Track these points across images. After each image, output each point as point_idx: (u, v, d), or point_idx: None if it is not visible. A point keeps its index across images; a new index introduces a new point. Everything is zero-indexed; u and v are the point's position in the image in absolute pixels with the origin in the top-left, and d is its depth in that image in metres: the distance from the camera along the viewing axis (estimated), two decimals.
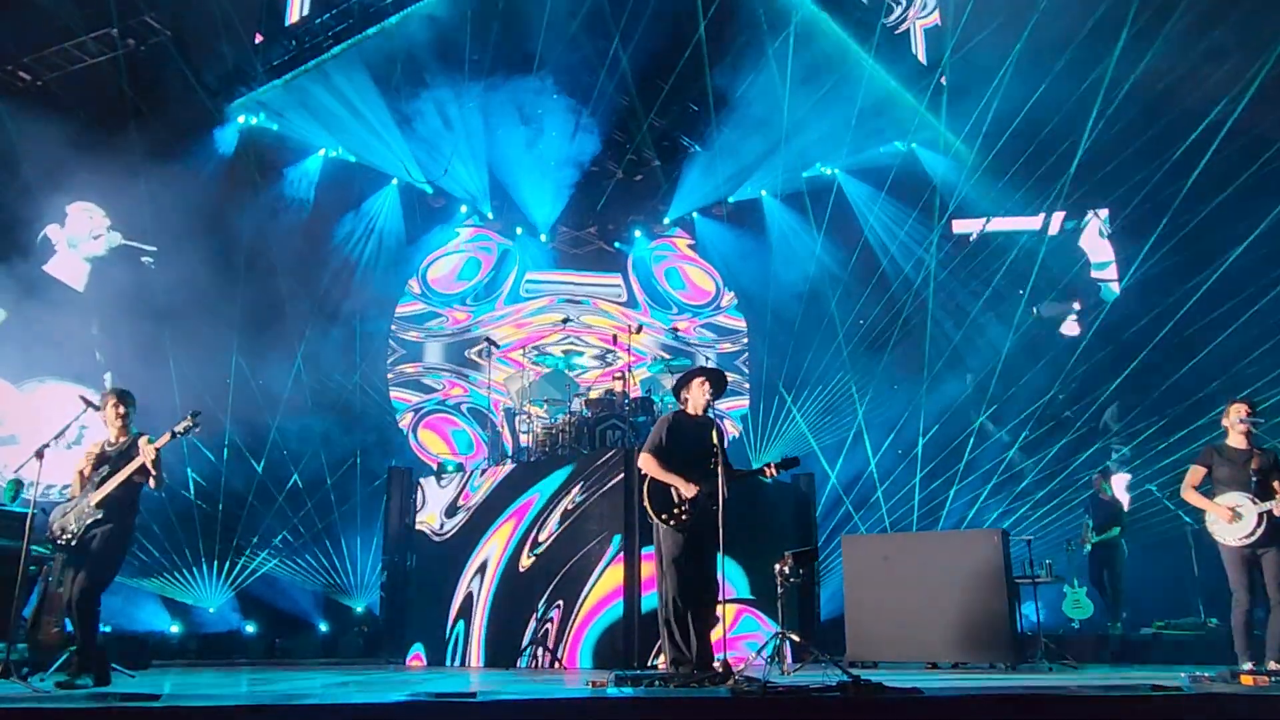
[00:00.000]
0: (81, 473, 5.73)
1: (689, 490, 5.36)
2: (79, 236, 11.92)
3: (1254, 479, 5.88)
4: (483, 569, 8.89)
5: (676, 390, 5.85)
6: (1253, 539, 5.80)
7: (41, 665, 6.64)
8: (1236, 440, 6.10)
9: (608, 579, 7.97)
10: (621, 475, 8.09)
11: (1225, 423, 6.19)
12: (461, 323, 15.46)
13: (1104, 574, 10.27)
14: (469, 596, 8.90)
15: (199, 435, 5.68)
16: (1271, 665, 5.72)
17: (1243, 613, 5.90)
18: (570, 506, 8.44)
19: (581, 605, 8.04)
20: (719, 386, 5.75)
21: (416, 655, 9.36)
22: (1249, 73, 11.04)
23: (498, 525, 8.94)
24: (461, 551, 9.13)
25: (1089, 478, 11.31)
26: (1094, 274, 14.39)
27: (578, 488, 8.44)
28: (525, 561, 8.57)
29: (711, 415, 5.66)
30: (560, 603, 8.19)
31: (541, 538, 8.55)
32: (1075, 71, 12.00)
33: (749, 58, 12.90)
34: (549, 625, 8.20)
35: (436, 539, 9.48)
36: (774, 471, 5.50)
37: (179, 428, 5.59)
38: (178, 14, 11.48)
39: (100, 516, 5.51)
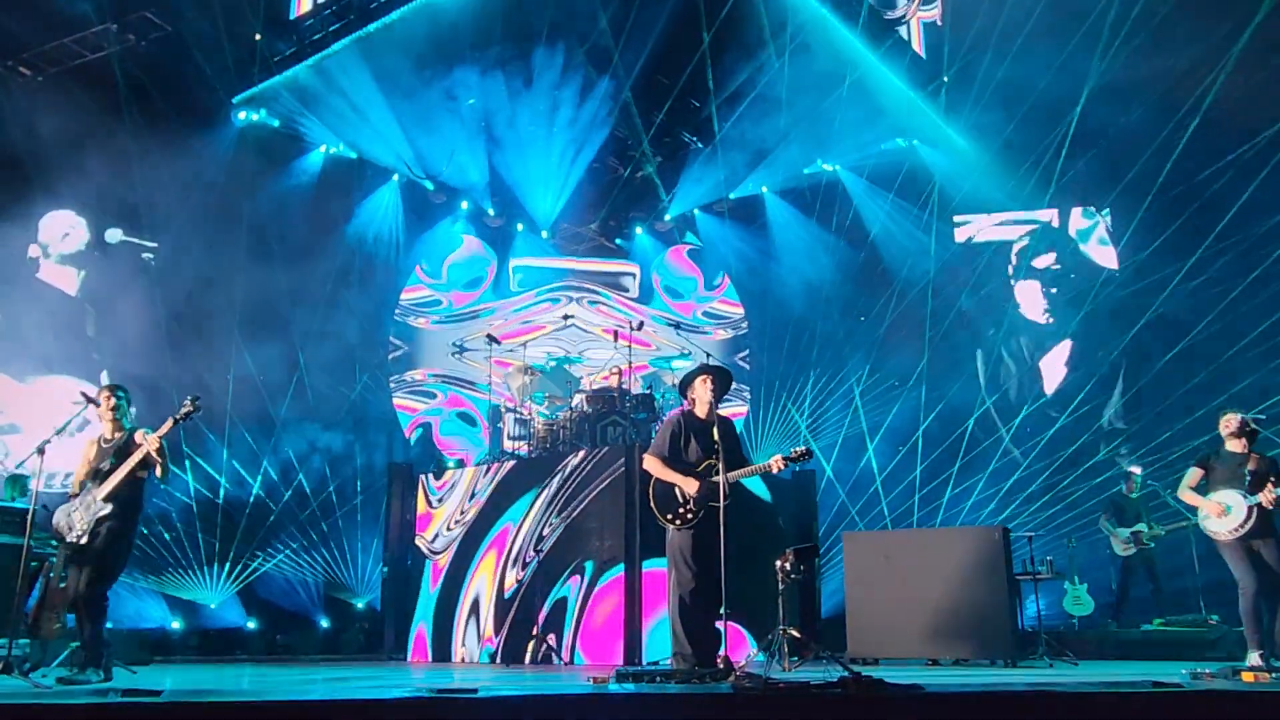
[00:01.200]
0: (80, 474, 5.73)
1: (690, 487, 5.37)
2: (50, 241, 11.91)
3: (1247, 479, 6.12)
4: (476, 607, 8.90)
5: (681, 390, 5.83)
6: (1244, 530, 6.04)
7: (43, 661, 6.67)
8: (1234, 445, 6.33)
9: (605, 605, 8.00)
10: (622, 470, 8.09)
11: (1222, 428, 6.43)
12: (462, 316, 15.46)
13: (1144, 570, 10.12)
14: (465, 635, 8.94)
15: (200, 419, 5.66)
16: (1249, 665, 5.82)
17: (1250, 597, 6.04)
18: (545, 531, 8.45)
19: (582, 619, 8.08)
20: (723, 383, 5.71)
21: (418, 651, 9.37)
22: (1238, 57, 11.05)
23: (482, 555, 8.93)
24: (455, 583, 9.13)
25: (1123, 472, 11.18)
26: (1099, 262, 14.33)
27: (549, 507, 8.47)
28: (497, 623, 8.61)
29: (717, 413, 5.62)
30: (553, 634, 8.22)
31: (510, 577, 8.59)
32: (1076, 67, 11.99)
33: (751, 54, 12.88)
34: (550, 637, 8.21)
35: (432, 555, 9.44)
36: (782, 464, 5.35)
37: (180, 414, 5.57)
38: (178, 10, 11.46)
39: (107, 512, 5.51)
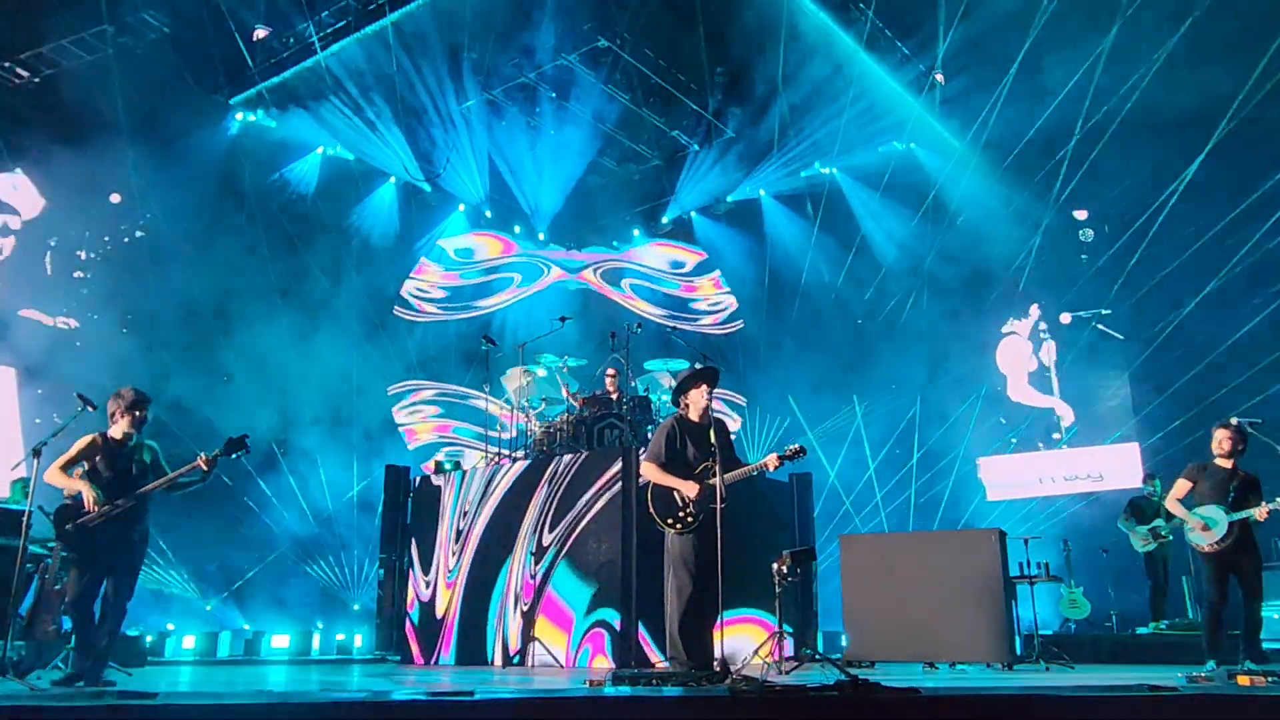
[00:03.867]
0: (64, 460, 5.63)
1: (690, 490, 5.36)
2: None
3: (1231, 494, 6.43)
4: (476, 608, 8.82)
5: (675, 397, 5.79)
6: (1225, 544, 6.32)
7: (39, 663, 6.65)
8: (1222, 461, 6.61)
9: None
10: (619, 472, 8.10)
11: (1213, 445, 6.67)
12: (459, 318, 15.48)
13: (1162, 570, 10.10)
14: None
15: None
16: (1248, 665, 5.89)
17: (1215, 611, 6.37)
18: (543, 532, 8.39)
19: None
20: (711, 379, 5.71)
21: (414, 653, 9.33)
22: (1250, 74, 11.07)
23: (483, 556, 8.86)
24: (468, 583, 9.11)
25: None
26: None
27: (546, 509, 8.45)
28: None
29: (711, 416, 5.61)
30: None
31: (508, 578, 8.55)
32: (1073, 71, 12.03)
33: (748, 58, 12.90)
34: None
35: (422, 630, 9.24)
36: (777, 463, 5.37)
37: (227, 449, 5.62)
38: (175, 11, 11.46)
39: (133, 516, 5.54)
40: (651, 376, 10.35)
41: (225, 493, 12.24)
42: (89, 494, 5.45)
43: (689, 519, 5.36)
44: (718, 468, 5.31)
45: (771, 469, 5.40)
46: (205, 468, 5.57)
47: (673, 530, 5.42)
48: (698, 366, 5.77)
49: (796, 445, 5.43)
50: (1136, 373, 13.21)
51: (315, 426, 13.13)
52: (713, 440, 5.38)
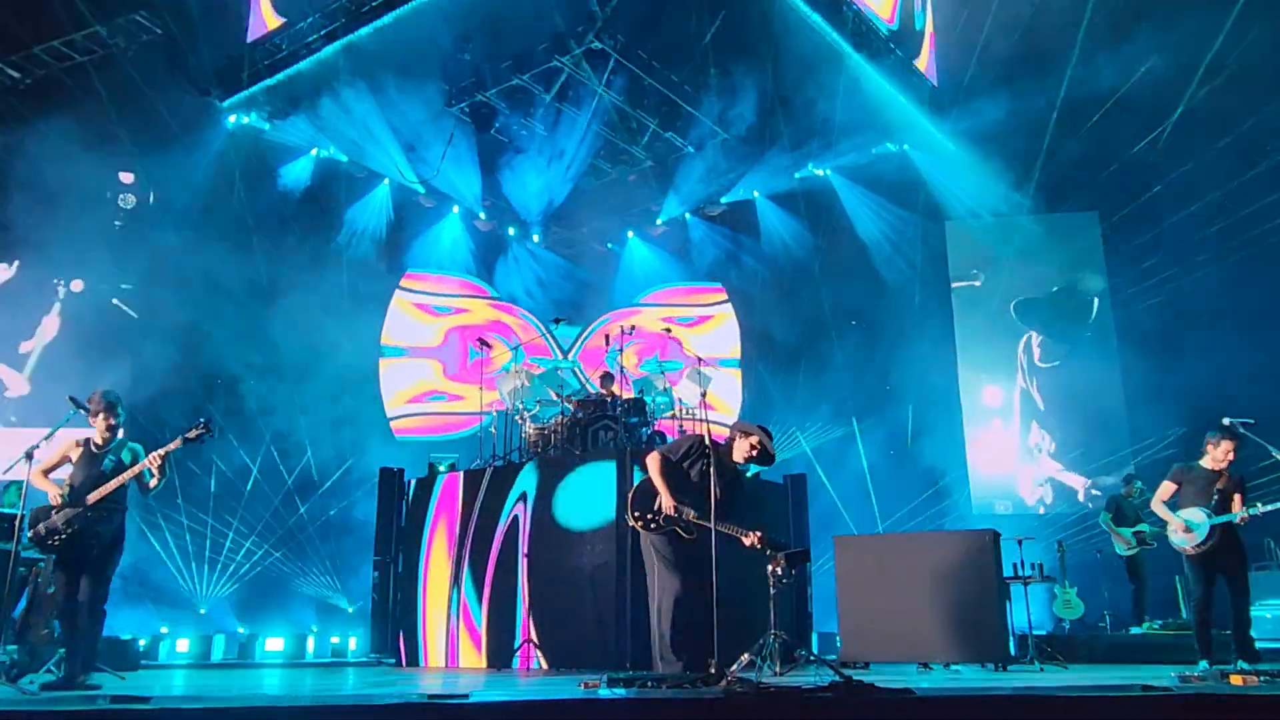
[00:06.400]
0: (48, 463, 5.66)
1: (669, 503, 5.30)
2: None
3: (1215, 498, 6.41)
4: (470, 612, 8.84)
5: (734, 430, 5.63)
6: (1206, 547, 6.34)
7: (32, 667, 6.63)
8: (1209, 463, 6.54)
9: None
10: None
11: (1209, 449, 6.54)
12: (456, 319, 15.46)
13: (1141, 573, 10.11)
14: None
15: (188, 420, 5.66)
16: (1241, 665, 5.91)
17: (1200, 611, 6.38)
18: (537, 533, 8.35)
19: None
20: (763, 460, 5.54)
21: (410, 656, 9.32)
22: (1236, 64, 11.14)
23: (475, 560, 8.88)
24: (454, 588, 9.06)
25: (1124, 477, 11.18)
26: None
27: (539, 509, 8.41)
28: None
29: (737, 469, 5.56)
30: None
31: (501, 580, 8.47)
32: (1068, 71, 12.07)
33: (742, 59, 12.90)
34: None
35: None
36: (756, 543, 5.20)
37: (191, 434, 5.59)
38: (168, 12, 11.43)
39: (102, 517, 5.51)
40: (647, 379, 10.33)
41: (224, 490, 12.25)
42: (54, 495, 5.50)
43: (651, 524, 5.33)
44: (712, 505, 5.20)
45: (749, 544, 5.23)
46: (152, 466, 5.54)
47: (636, 524, 5.38)
48: (769, 445, 5.49)
49: (803, 549, 5.54)
50: (1129, 372, 13.24)
51: (314, 427, 13.10)
52: (714, 481, 5.25)
